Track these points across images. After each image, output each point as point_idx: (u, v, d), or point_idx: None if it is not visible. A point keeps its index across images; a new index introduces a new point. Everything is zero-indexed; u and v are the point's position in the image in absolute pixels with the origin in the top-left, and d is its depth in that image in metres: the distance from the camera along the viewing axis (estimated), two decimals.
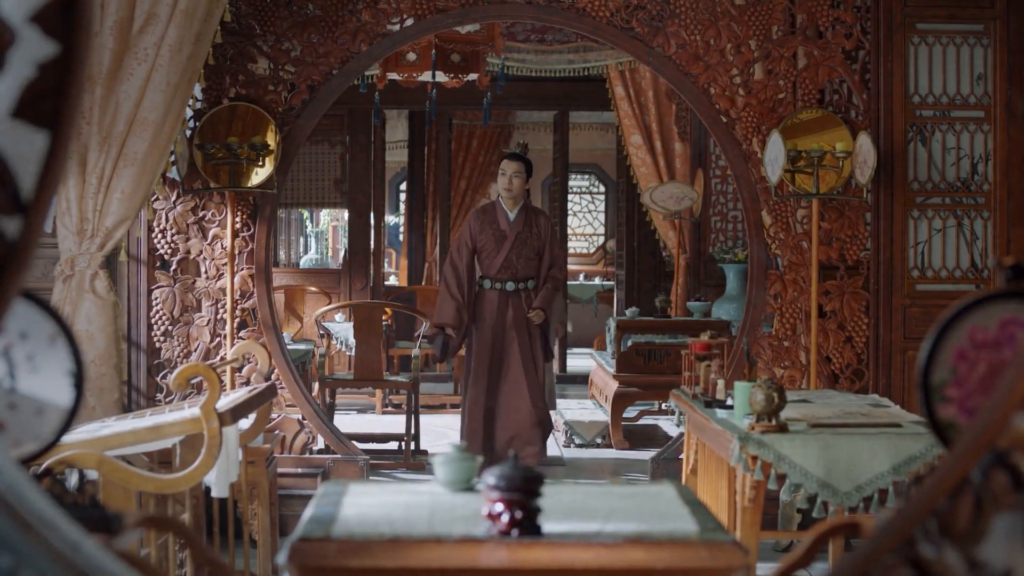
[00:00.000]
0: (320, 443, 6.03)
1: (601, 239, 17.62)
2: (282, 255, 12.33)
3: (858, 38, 5.70)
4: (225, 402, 3.86)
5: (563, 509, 2.51)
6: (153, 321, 5.65)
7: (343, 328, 8.26)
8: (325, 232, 15.15)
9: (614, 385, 7.77)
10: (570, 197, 16.19)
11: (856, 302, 5.70)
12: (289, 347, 6.39)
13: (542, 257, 6.69)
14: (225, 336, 5.64)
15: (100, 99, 4.98)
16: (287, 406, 5.89)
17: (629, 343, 7.92)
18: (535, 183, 14.07)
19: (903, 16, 5.62)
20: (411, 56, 7.33)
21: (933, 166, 5.65)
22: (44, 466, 2.33)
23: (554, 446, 7.50)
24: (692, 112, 8.44)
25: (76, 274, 5.05)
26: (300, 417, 5.86)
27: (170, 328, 5.66)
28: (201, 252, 5.70)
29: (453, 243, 6.77)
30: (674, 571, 2.18)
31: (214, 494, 3.90)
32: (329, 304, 8.88)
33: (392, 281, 14.11)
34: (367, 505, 2.54)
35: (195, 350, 5.66)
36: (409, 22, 5.82)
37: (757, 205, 5.78)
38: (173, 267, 5.69)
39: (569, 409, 8.60)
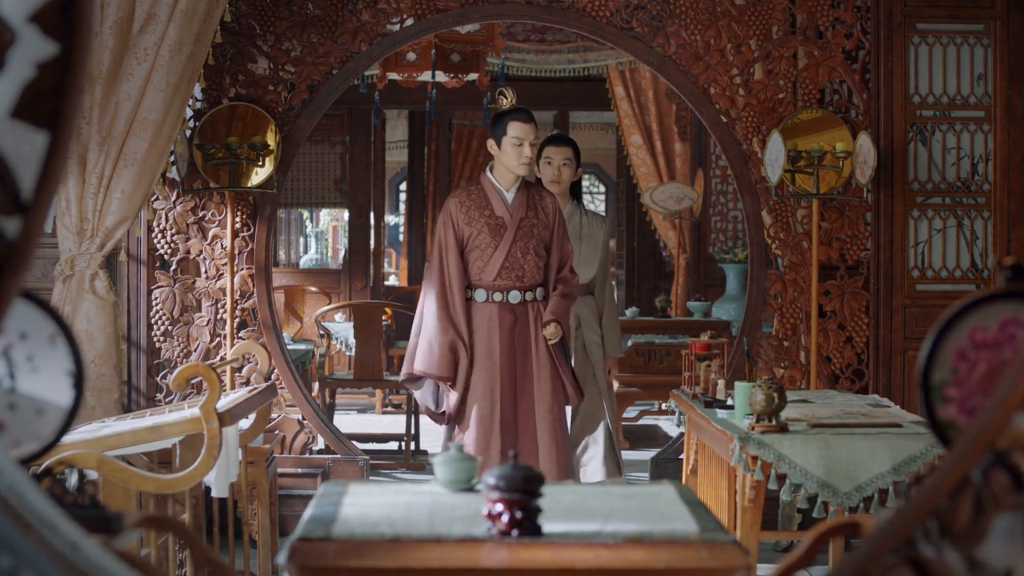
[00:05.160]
0: (320, 443, 6.02)
1: None
2: (282, 255, 12.34)
3: (858, 38, 5.69)
4: (225, 402, 3.86)
5: (563, 509, 2.51)
6: (153, 321, 5.65)
7: (343, 328, 8.26)
8: (325, 232, 15.16)
9: (614, 385, 7.76)
10: None
11: (856, 302, 5.70)
12: (289, 347, 6.39)
13: (550, 253, 4.91)
14: (225, 336, 5.64)
15: (100, 99, 4.98)
16: (287, 406, 5.88)
17: (629, 343, 7.93)
18: None
19: (903, 16, 5.61)
20: (411, 56, 7.33)
21: (933, 166, 5.65)
22: (44, 466, 2.33)
23: None
24: (692, 112, 8.44)
25: (76, 274, 5.05)
26: (300, 417, 5.86)
27: (170, 328, 5.66)
28: (201, 252, 5.69)
29: (432, 253, 4.95)
30: (674, 571, 2.17)
31: (214, 494, 3.90)
32: (329, 304, 8.88)
33: (392, 281, 14.13)
34: (367, 505, 2.54)
35: (195, 350, 5.66)
36: (409, 22, 5.82)
37: (757, 205, 5.78)
38: (173, 267, 5.68)
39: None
